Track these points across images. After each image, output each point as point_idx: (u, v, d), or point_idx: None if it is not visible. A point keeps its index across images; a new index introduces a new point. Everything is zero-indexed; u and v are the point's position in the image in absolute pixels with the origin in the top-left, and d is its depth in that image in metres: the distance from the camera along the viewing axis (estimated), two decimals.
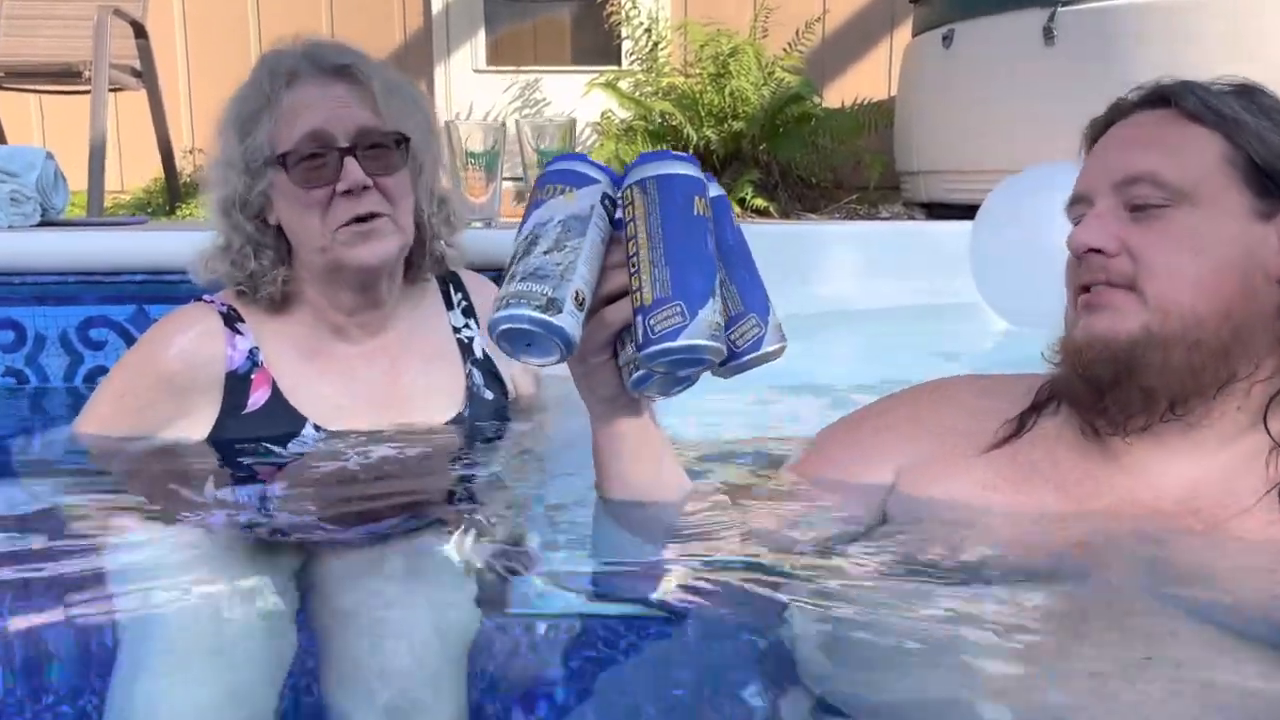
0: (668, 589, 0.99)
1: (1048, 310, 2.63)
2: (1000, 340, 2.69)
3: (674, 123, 4.92)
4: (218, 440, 1.47)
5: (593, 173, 1.00)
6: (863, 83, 5.42)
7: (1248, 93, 1.06)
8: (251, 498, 1.33)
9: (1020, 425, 1.12)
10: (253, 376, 1.49)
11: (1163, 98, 1.07)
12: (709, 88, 4.97)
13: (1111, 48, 3.68)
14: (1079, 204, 1.11)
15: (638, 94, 5.20)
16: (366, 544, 1.15)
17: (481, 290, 1.76)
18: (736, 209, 4.84)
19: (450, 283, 1.73)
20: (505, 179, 2.21)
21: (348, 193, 1.43)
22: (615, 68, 5.51)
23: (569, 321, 0.93)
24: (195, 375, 1.47)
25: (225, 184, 1.49)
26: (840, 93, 5.39)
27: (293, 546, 1.13)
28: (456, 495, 1.36)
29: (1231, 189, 1.02)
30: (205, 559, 1.08)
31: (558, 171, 0.99)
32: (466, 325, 1.71)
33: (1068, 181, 2.72)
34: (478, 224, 2.15)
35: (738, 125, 4.91)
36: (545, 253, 0.94)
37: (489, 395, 1.66)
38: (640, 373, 1.00)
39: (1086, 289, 1.06)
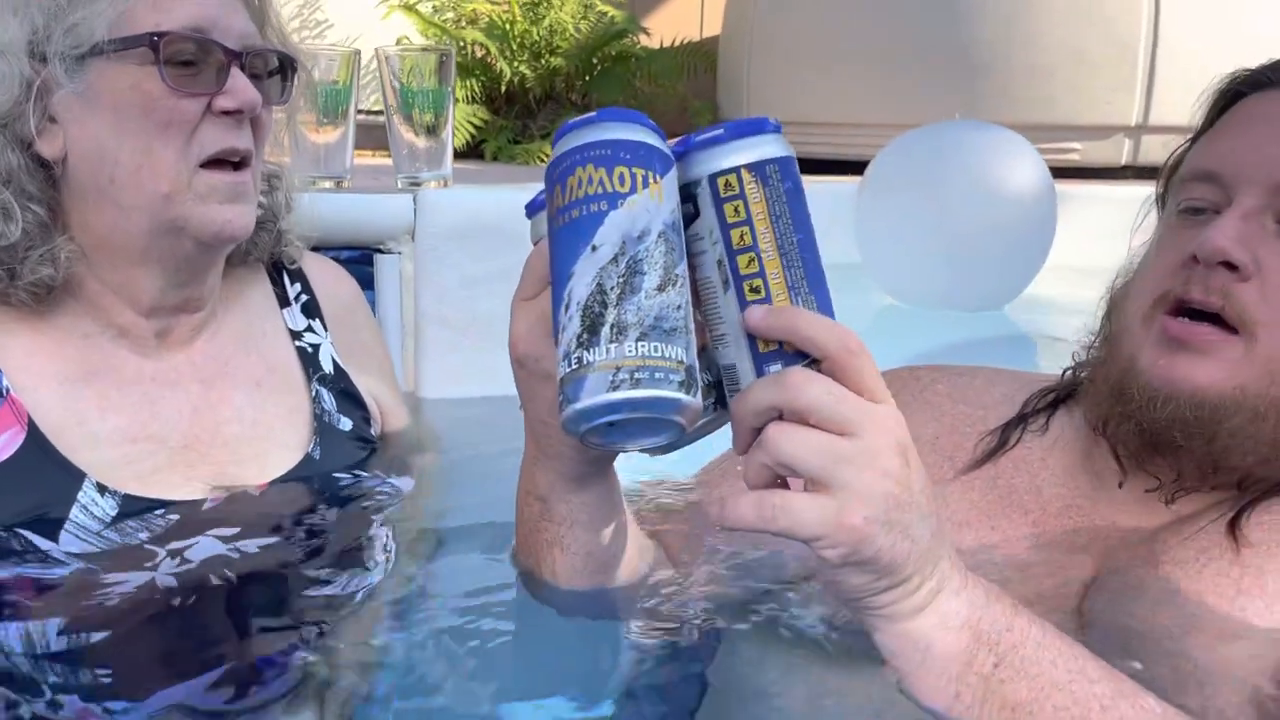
0: None
1: (937, 288, 2.44)
2: (883, 315, 2.47)
3: (484, 55, 4.44)
4: None
5: (663, 145, 0.66)
6: (679, 21, 5.10)
7: None
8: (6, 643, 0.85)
9: (1003, 441, 0.96)
10: None
11: None
12: (521, 18, 4.50)
13: None
14: (1207, 185, 0.84)
15: (440, 20, 4.66)
16: None
17: (326, 275, 1.33)
18: None
19: (281, 270, 1.28)
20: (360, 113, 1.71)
21: (225, 115, 1.03)
22: None
23: (701, 396, 0.64)
24: None
25: None
26: (657, 31, 5.04)
27: None
28: (323, 639, 0.90)
29: None
30: None
31: (631, 144, 0.64)
32: (309, 328, 1.26)
33: (964, 143, 2.36)
34: (325, 183, 1.65)
35: (555, 62, 4.49)
36: (659, 289, 0.61)
37: (344, 424, 1.24)
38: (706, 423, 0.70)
39: (1181, 310, 0.81)
